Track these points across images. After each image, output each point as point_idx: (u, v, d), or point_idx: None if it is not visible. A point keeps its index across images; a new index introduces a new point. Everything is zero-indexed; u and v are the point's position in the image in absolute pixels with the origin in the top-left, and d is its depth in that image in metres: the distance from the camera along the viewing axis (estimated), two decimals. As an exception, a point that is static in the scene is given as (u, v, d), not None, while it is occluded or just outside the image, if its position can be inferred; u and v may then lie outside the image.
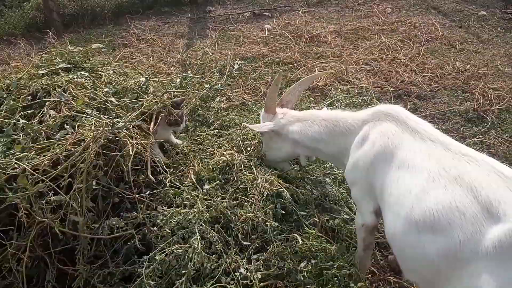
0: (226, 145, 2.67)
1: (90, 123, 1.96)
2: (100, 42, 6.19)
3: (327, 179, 2.84)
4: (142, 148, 2.06)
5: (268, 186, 2.27)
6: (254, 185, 2.30)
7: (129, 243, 2.07)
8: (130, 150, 1.89)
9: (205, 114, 2.98)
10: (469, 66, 5.02)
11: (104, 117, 2.03)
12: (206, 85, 2.94)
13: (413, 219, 1.70)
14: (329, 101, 3.82)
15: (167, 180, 2.29)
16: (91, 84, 2.28)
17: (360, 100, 3.87)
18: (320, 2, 7.87)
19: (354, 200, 2.32)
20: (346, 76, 4.79)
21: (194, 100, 2.89)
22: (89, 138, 1.83)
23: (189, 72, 3.08)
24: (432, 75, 4.85)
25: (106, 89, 2.25)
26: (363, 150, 2.10)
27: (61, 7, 7.21)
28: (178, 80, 2.49)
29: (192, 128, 2.87)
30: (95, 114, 2.01)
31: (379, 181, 1.99)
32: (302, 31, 6.11)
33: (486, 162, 1.73)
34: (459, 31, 6.19)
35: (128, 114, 2.11)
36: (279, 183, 2.39)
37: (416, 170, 1.83)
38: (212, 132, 2.86)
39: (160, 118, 2.36)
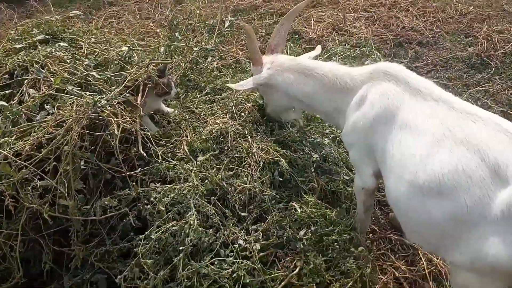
0: (219, 111, 2.56)
1: (71, 102, 1.85)
2: (85, 1, 5.95)
3: (325, 139, 2.75)
4: (130, 123, 1.97)
5: (264, 156, 2.19)
6: (250, 154, 2.22)
7: (124, 220, 2.03)
8: (115, 130, 1.79)
9: (196, 79, 2.85)
10: (472, 7, 4.78)
11: (86, 94, 1.92)
12: (195, 48, 2.78)
13: (418, 183, 1.64)
14: (326, 55, 3.65)
15: (160, 153, 2.21)
16: (71, 57, 2.14)
17: (359, 52, 3.70)
18: None
19: (352, 162, 2.25)
20: (344, 25, 4.58)
21: (183, 65, 2.74)
22: (70, 119, 1.73)
23: (176, 34, 2.90)
24: (434, 19, 4.63)
25: (87, 62, 2.11)
26: (361, 112, 1.99)
27: (41, -35, 6.82)
28: (163, 49, 2.33)
29: (184, 94, 2.75)
30: (76, 91, 1.89)
31: (380, 143, 1.91)
32: (296, -23, 5.78)
33: (493, 121, 1.64)
34: (462, -32, 5.85)
35: (111, 89, 2.00)
36: (276, 150, 2.31)
37: (419, 131, 1.74)
38: (204, 97, 2.74)
39: (147, 89, 2.25)
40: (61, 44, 2.31)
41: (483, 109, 1.74)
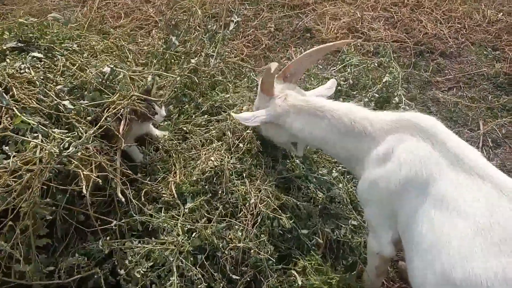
0: (214, 139, 2.24)
1: (33, 146, 1.52)
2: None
3: (334, 172, 2.44)
4: (107, 166, 1.66)
5: (263, 209, 1.88)
6: (247, 204, 1.92)
7: (95, 276, 1.75)
8: (84, 187, 1.47)
9: (192, 94, 2.50)
10: (501, 14, 4.36)
11: (55, 131, 1.59)
12: (193, 61, 2.43)
13: (452, 280, 1.35)
14: (339, 66, 3.29)
15: (142, 193, 1.91)
16: (42, 77, 1.79)
17: (376, 64, 3.33)
18: None
19: (367, 222, 1.94)
20: (361, 26, 4.17)
21: (178, 79, 2.39)
22: (29, 174, 1.41)
23: (173, 39, 2.54)
24: (459, 26, 4.22)
25: (60, 87, 1.77)
26: (385, 170, 1.67)
27: None
28: (150, 78, 1.98)
29: (176, 114, 2.41)
30: (42, 128, 1.56)
31: (405, 214, 1.61)
32: (312, -36, 5.31)
33: None
34: (493, -34, 5.38)
35: (86, 121, 1.67)
36: (278, 197, 2.00)
37: (459, 214, 1.43)
38: (199, 119, 2.40)
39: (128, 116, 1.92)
40: (35, 54, 1.96)
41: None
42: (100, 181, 1.54)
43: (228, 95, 2.59)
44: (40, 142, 1.49)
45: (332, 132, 1.88)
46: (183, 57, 2.51)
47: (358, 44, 3.89)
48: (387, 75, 3.17)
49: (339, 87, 3.12)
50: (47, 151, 1.42)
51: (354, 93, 3.13)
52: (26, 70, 1.80)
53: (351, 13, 4.37)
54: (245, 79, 3.12)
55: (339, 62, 3.43)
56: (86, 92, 1.81)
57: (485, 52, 3.90)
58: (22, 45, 2.04)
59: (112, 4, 4.48)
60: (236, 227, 1.87)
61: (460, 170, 1.51)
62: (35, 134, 1.58)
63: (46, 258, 1.62)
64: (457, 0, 4.58)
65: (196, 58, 2.46)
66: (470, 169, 1.50)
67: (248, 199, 1.92)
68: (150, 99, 1.92)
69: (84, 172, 1.49)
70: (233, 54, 3.74)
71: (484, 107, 3.35)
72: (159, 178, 2.03)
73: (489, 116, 3.28)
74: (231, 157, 2.11)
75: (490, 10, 4.41)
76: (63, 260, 1.67)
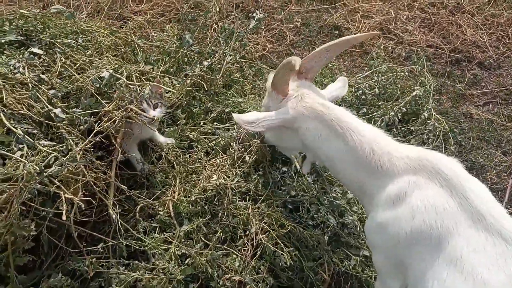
0: (220, 150, 2.08)
1: (14, 161, 1.39)
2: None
3: (348, 195, 2.25)
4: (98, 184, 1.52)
5: (265, 240, 1.72)
6: (247, 233, 1.76)
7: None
8: (63, 214, 1.33)
9: (202, 98, 2.33)
10: (551, 22, 4.00)
11: (41, 142, 1.45)
12: (205, 62, 2.25)
13: None
14: (366, 73, 3.04)
15: (138, 208, 1.78)
16: (36, 79, 1.65)
17: (406, 72, 3.06)
18: None
19: (375, 266, 1.75)
20: (394, 27, 3.89)
21: (188, 81, 2.22)
22: (5, 194, 1.28)
23: (187, 36, 2.36)
24: (502, 33, 3.88)
25: (53, 92, 1.63)
26: (395, 215, 1.48)
27: None
28: (147, 90, 1.78)
29: (184, 119, 2.24)
30: (28, 140, 1.42)
31: (414, 268, 1.42)
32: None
33: None
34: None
35: (77, 132, 1.53)
36: (282, 224, 1.84)
37: (475, 280, 1.24)
38: (207, 126, 2.24)
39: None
40: (34, 50, 1.82)
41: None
42: (83, 205, 1.40)
43: (241, 100, 2.41)
44: (20, 158, 1.35)
45: (348, 156, 1.64)
46: (196, 57, 2.33)
47: (390, 47, 3.62)
48: (417, 87, 2.92)
49: (363, 96, 2.90)
50: (25, 171, 1.29)
51: (380, 103, 2.89)
52: (20, 69, 1.66)
53: (384, 12, 4.08)
54: (263, 80, 2.94)
55: (366, 68, 3.19)
56: (82, 98, 1.67)
57: (528, 66, 3.58)
58: (22, 38, 1.90)
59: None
60: (234, 255, 1.72)
61: (481, 228, 1.31)
62: (21, 146, 1.45)
63: (26, 278, 1.50)
64: (502, 4, 4.22)
65: (209, 59, 2.27)
66: (492, 228, 1.30)
67: (250, 226, 1.76)
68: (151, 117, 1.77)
69: (66, 195, 1.35)
70: (255, 49, 3.55)
71: (521, 129, 3.08)
72: (158, 193, 1.88)
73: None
74: (236, 173, 1.95)
75: (538, 17, 4.05)
76: (44, 280, 1.55)
